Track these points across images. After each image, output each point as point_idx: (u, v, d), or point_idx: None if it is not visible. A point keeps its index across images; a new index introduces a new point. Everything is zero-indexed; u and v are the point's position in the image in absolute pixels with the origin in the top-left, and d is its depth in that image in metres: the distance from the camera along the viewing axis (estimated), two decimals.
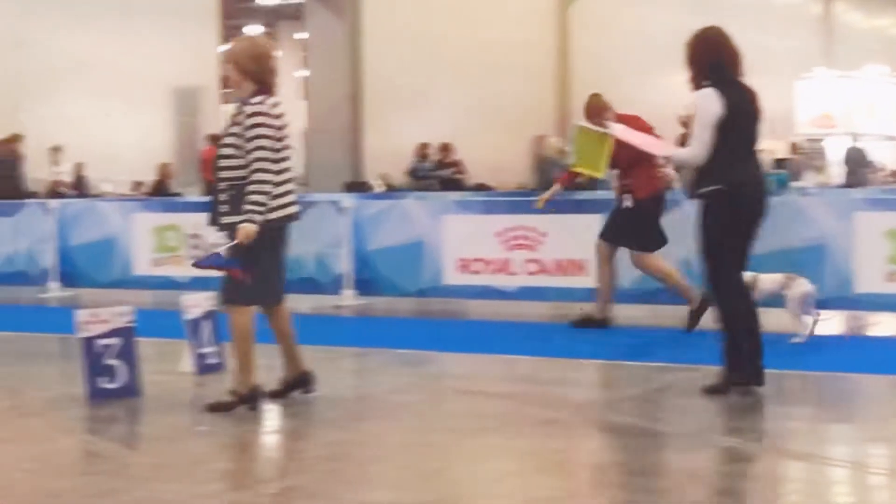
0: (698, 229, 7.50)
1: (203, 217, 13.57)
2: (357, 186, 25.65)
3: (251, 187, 6.97)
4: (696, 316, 10.23)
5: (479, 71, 29.21)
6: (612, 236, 10.56)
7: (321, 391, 8.02)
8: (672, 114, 16.88)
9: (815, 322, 9.47)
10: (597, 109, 10.48)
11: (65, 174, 23.07)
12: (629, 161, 10.04)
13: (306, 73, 33.26)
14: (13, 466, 5.95)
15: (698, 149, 7.39)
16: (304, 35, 33.36)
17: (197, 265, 7.32)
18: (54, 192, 22.06)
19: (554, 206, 11.16)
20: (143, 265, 14.08)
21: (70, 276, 14.55)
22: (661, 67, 27.96)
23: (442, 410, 7.38)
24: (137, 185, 24.11)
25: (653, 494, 5.42)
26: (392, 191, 23.70)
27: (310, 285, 13.17)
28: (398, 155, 25.16)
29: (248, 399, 7.20)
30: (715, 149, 7.35)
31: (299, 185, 31.17)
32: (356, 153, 28.90)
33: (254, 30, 46.18)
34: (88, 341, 7.60)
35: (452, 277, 12.43)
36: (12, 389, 8.42)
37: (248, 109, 7.07)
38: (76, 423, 7.04)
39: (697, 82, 7.50)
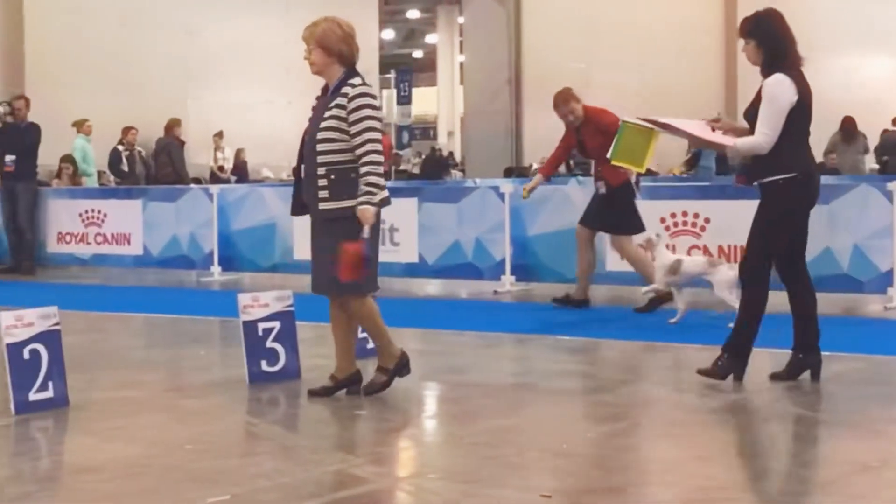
0: (763, 216, 7.35)
1: None
2: (517, 171, 25.66)
3: (367, 168, 6.84)
4: (652, 304, 10.92)
5: (642, 53, 28.95)
6: (591, 221, 11.35)
7: (481, 376, 8.06)
8: (835, 98, 16.49)
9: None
10: (561, 99, 11.36)
11: (226, 160, 23.57)
12: (600, 150, 10.57)
13: (464, 57, 33.38)
14: (177, 446, 6.11)
15: (770, 136, 7.21)
16: (463, 19, 33.49)
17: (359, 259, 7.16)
18: (216, 177, 22.59)
19: (719, 192, 11.01)
20: (303, 250, 14.28)
21: (231, 261, 14.86)
22: (831, 49, 27.36)
23: (602, 398, 7.35)
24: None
25: (819, 486, 5.32)
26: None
27: (469, 271, 13.24)
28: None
29: (398, 370, 7.28)
30: (780, 136, 7.21)
31: (458, 170, 31.28)
32: (515, 138, 28.91)
33: (412, 15, 46.58)
34: (250, 325, 7.76)
35: (615, 263, 12.35)
36: (176, 371, 8.65)
37: (352, 91, 6.93)
38: (238, 405, 7.19)
39: (770, 67, 7.33)
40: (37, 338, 6.90)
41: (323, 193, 6.96)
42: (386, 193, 7.02)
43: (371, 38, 30.91)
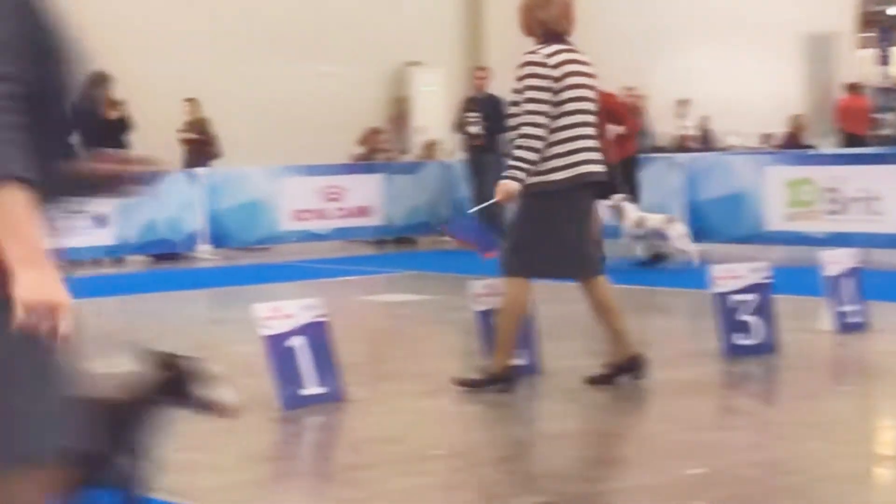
0: None
1: (839, 170, 13.52)
2: None
3: (516, 141, 6.73)
4: None
5: None
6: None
7: None
8: None
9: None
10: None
11: (690, 128, 23.59)
12: None
13: None
14: (652, 417, 6.27)
15: None
16: None
17: (445, 230, 7.09)
18: (681, 146, 22.65)
19: None
20: (775, 220, 14.13)
21: (700, 231, 14.85)
22: None
23: None
24: (766, 137, 24.19)
25: None
26: None
27: None
28: None
29: (500, 380, 6.84)
30: None
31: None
32: None
33: None
34: (723, 297, 7.76)
35: None
36: (645, 342, 8.76)
37: (521, 60, 6.83)
38: (712, 378, 7.25)
39: None
40: None
41: None
42: (587, 170, 6.76)
43: None
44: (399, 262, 14.74)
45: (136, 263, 15.00)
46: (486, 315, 7.11)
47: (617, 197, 12.93)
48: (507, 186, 6.68)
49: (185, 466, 5.46)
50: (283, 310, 6.60)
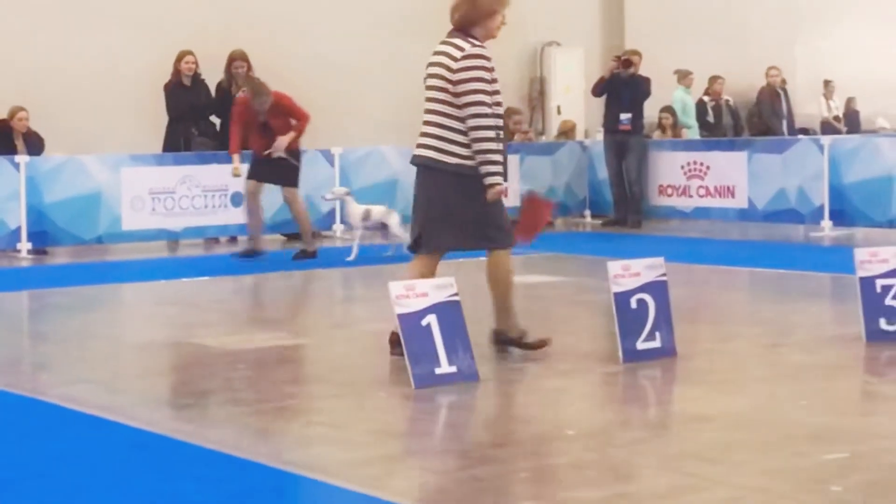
0: None
1: None
2: None
3: (478, 134, 7.25)
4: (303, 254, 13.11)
5: None
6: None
7: None
8: None
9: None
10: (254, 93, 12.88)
11: (835, 109, 23.16)
12: (283, 128, 12.96)
13: None
14: (790, 401, 6.16)
15: None
16: None
17: None
18: (827, 127, 22.27)
19: None
20: None
21: (843, 214, 14.62)
22: None
23: None
24: None
25: None
26: None
27: None
28: None
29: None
30: None
31: None
32: None
33: None
34: (868, 280, 7.61)
35: None
36: (784, 326, 8.66)
37: (468, 52, 7.44)
38: (854, 363, 7.13)
39: None
40: (644, 288, 7.16)
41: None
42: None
43: None
44: (534, 243, 14.66)
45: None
46: (623, 296, 7.06)
47: (339, 190, 13.86)
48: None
49: (315, 441, 5.54)
50: (417, 288, 6.64)
